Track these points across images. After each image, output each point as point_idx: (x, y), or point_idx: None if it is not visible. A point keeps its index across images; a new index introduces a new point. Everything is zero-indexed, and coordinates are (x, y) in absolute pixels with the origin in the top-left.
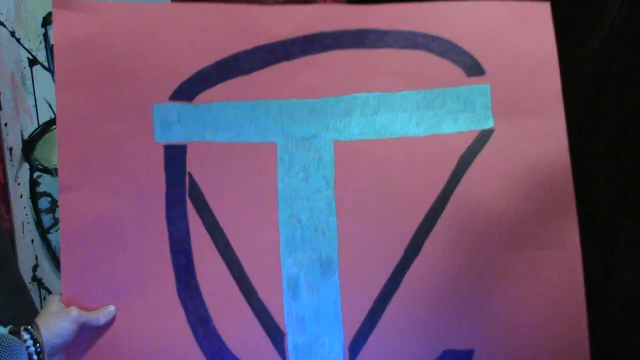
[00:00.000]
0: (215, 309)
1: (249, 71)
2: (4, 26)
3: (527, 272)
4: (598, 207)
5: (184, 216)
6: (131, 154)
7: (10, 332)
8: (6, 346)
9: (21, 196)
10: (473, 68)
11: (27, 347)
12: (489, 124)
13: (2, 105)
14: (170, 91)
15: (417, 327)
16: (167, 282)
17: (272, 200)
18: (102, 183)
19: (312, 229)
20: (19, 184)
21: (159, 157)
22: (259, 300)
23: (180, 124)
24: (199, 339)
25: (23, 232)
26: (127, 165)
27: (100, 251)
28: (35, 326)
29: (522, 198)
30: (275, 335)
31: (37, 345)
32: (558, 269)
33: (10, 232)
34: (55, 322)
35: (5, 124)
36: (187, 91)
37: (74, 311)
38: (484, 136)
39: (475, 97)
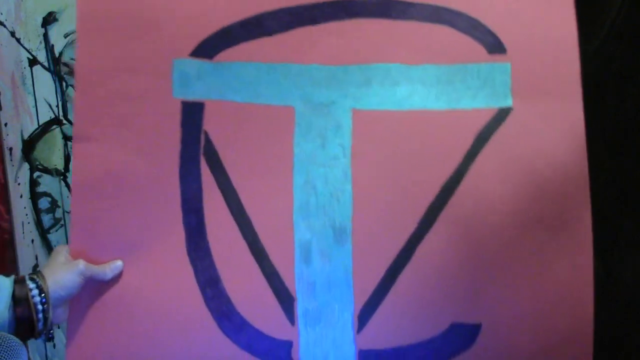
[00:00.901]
0: (225, 271)
1: (271, 33)
2: (4, 26)
3: (537, 252)
4: (598, 207)
5: (198, 175)
6: (148, 108)
7: (16, 282)
8: (6, 346)
9: (21, 196)
10: (495, 46)
11: (33, 297)
12: (508, 102)
13: (2, 105)
14: (192, 47)
15: (427, 300)
16: (177, 240)
17: (287, 165)
18: (117, 135)
19: (327, 195)
20: (19, 184)
21: (176, 113)
22: (270, 263)
23: (199, 80)
24: (207, 300)
25: (23, 232)
26: (143, 119)
27: (110, 204)
28: (41, 276)
29: (537, 178)
30: (285, 299)
31: (43, 295)
32: (569, 250)
33: (10, 232)
34: (62, 273)
35: (5, 124)
36: (208, 48)
37: (81, 263)
38: (502, 114)
39: (496, 75)
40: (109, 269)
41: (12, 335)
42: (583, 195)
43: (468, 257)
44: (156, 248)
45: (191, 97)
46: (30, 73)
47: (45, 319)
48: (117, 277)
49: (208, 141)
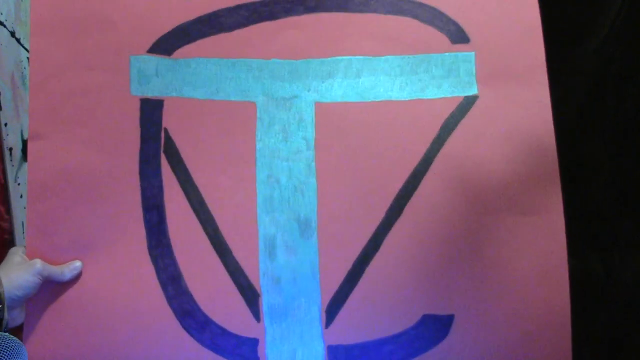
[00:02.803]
0: (187, 268)
1: (230, 29)
2: (4, 26)
3: (509, 238)
4: (598, 207)
5: (158, 172)
6: (105, 106)
7: None
8: (7, 346)
9: (21, 196)
10: (458, 36)
11: None
12: (473, 90)
13: (2, 105)
14: (149, 44)
15: (397, 291)
16: (137, 239)
17: (249, 159)
18: (74, 133)
19: (291, 189)
20: (19, 184)
21: (135, 110)
22: (233, 259)
23: (157, 77)
24: (169, 298)
25: (23, 232)
26: (101, 117)
27: (68, 204)
28: None
29: (506, 164)
30: (250, 295)
31: None
32: (541, 236)
33: (10, 232)
34: (18, 274)
35: (5, 124)
36: (166, 45)
37: (38, 263)
38: (468, 102)
39: (460, 64)
40: (67, 270)
41: (12, 336)
42: (553, 179)
43: (438, 247)
44: (116, 247)
45: (150, 94)
46: None
47: (0, 320)
48: (76, 278)
49: (168, 138)
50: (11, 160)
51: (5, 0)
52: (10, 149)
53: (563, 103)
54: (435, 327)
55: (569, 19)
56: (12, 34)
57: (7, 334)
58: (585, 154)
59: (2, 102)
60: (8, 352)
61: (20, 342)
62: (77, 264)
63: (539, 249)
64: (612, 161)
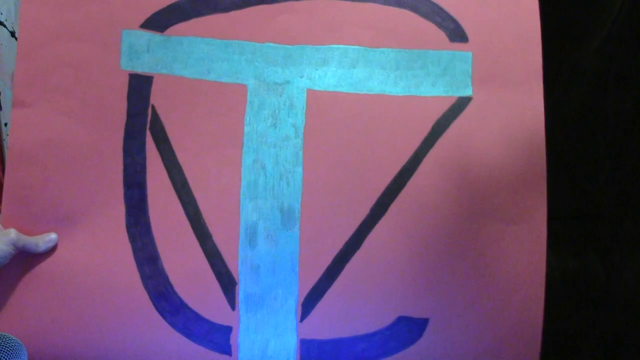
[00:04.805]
0: (165, 249)
1: (226, 9)
2: (4, 26)
3: (491, 246)
4: (598, 207)
5: (142, 149)
6: (93, 78)
7: None
8: (7, 346)
9: None
10: (457, 34)
11: None
12: (468, 92)
13: (2, 105)
14: (142, 19)
15: (374, 290)
16: (116, 215)
17: (236, 143)
18: (59, 104)
19: (276, 176)
20: None
21: (123, 85)
22: (213, 244)
23: (148, 53)
24: (145, 279)
25: None
26: (88, 90)
27: (48, 174)
28: None
29: (495, 170)
30: (227, 282)
31: None
32: (522, 245)
33: None
34: None
35: (5, 124)
36: (159, 21)
37: (12, 233)
38: (462, 103)
39: (456, 64)
40: (42, 241)
41: (12, 335)
42: (540, 189)
43: (419, 249)
44: (94, 222)
45: (139, 69)
46: None
47: None
48: (50, 250)
49: (155, 115)
50: None
51: (5, 0)
52: None
53: (563, 103)
54: (410, 329)
55: (569, 19)
56: (12, 34)
57: (7, 334)
58: (586, 153)
59: (2, 102)
60: (8, 352)
61: (20, 342)
62: (53, 236)
63: (519, 258)
64: (612, 161)
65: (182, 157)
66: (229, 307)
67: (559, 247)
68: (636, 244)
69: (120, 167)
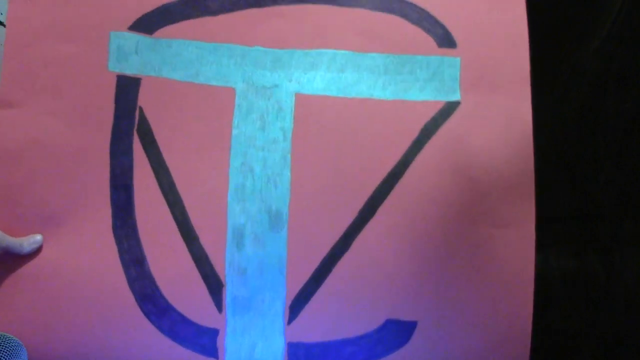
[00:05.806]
0: (151, 251)
1: (215, 12)
2: (4, 26)
3: (480, 249)
4: (598, 207)
5: (129, 151)
6: (81, 80)
7: None
8: (7, 346)
9: None
10: (445, 39)
11: None
12: (456, 96)
13: None
14: (131, 21)
15: (363, 294)
16: (102, 217)
17: (224, 146)
18: (46, 104)
19: (264, 179)
20: None
21: (111, 86)
22: (200, 247)
23: (137, 55)
24: (131, 280)
25: None
26: (75, 91)
27: (34, 175)
28: None
29: (483, 174)
30: (214, 285)
31: None
32: (511, 248)
33: None
34: None
35: None
36: (148, 23)
37: None
38: (450, 108)
39: (445, 69)
40: (26, 243)
41: (12, 336)
42: (528, 193)
43: (408, 252)
44: (80, 224)
45: (127, 71)
46: None
47: None
48: (35, 252)
49: (142, 118)
50: None
51: (5, 0)
52: None
53: (563, 103)
54: (398, 332)
55: (569, 19)
56: None
57: (7, 334)
58: (586, 153)
59: None
60: (8, 352)
61: (20, 343)
62: (38, 237)
63: (508, 261)
64: (613, 161)
65: (169, 159)
66: (215, 310)
67: (559, 247)
68: (636, 244)
69: (107, 169)
